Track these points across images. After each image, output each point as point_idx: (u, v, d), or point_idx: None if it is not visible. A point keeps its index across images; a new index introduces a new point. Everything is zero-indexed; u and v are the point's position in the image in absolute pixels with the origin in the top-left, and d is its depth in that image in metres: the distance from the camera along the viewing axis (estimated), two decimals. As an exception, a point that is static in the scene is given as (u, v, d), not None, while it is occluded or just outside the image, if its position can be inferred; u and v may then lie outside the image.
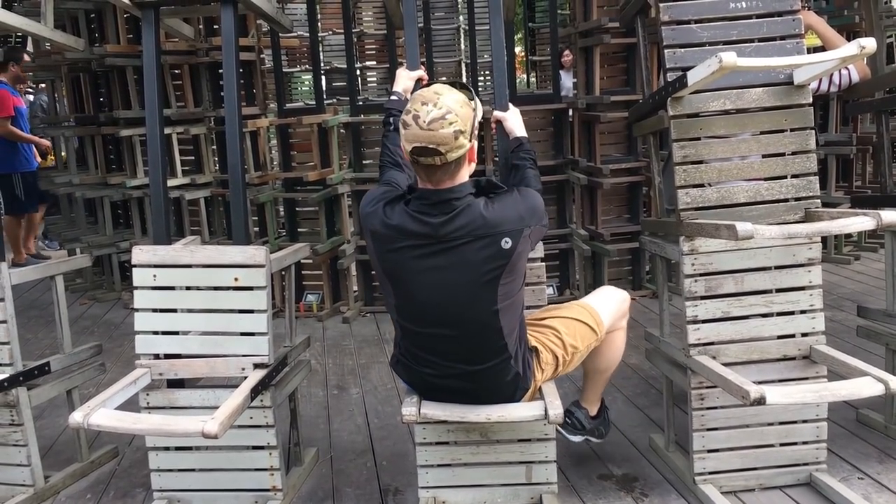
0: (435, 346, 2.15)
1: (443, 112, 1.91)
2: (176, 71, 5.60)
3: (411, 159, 1.99)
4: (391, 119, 2.48)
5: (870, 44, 2.23)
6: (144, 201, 5.73)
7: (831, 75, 3.29)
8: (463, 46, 9.20)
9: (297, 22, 7.71)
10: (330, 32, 8.97)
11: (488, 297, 2.05)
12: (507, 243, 2.01)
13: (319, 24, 7.53)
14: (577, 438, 2.73)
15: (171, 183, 5.19)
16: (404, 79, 2.63)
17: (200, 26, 5.47)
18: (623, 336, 2.60)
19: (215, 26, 5.39)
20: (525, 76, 11.50)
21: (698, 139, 2.59)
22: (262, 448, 2.63)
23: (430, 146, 1.92)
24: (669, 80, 2.57)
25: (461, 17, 9.07)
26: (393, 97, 2.59)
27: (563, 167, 5.29)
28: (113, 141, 6.07)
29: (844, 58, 2.33)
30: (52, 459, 3.11)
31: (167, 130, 5.18)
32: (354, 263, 5.37)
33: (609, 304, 2.51)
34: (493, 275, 2.02)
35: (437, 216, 1.99)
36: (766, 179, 2.59)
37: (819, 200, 2.59)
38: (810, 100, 2.59)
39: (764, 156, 2.60)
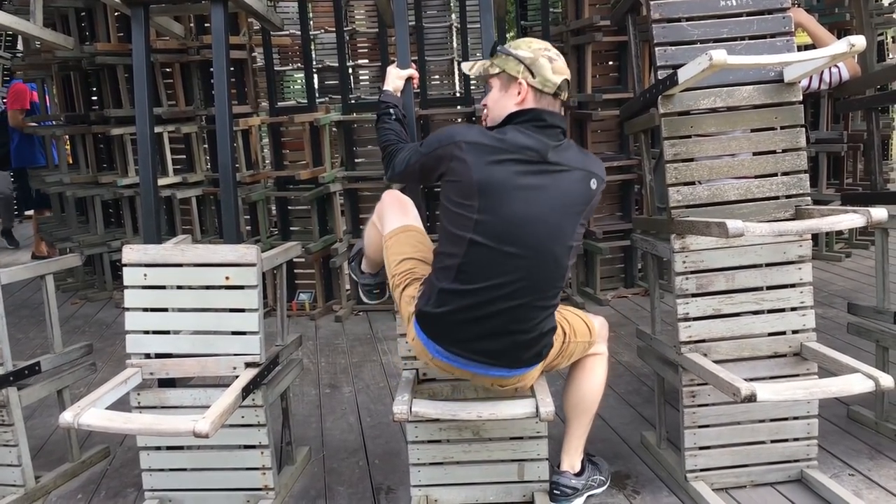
0: (504, 265, 2.10)
1: None
2: (167, 69, 5.58)
3: (545, 95, 2.21)
4: (391, 110, 2.52)
5: (859, 41, 2.24)
6: (136, 200, 5.71)
7: (822, 73, 3.30)
8: (455, 45, 9.19)
9: (288, 20, 7.69)
10: (322, 31, 8.95)
11: (570, 229, 2.15)
12: (594, 184, 2.18)
13: (311, 22, 7.52)
14: (577, 503, 2.58)
15: (162, 182, 5.17)
16: (394, 77, 2.62)
17: (191, 24, 5.45)
18: (604, 366, 2.55)
19: (206, 24, 5.37)
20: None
21: (689, 137, 2.59)
22: (253, 447, 2.62)
23: (568, 79, 2.23)
24: (660, 77, 2.58)
25: (453, 16, 9.06)
26: (385, 93, 2.61)
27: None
28: (104, 140, 6.05)
29: (834, 55, 2.33)
30: (42, 459, 3.09)
31: (158, 129, 5.17)
32: (347, 262, 5.36)
33: (594, 319, 2.51)
34: (578, 210, 2.16)
35: (549, 140, 2.14)
36: (756, 177, 2.60)
37: (809, 198, 2.60)
38: (801, 97, 2.60)
39: (754, 153, 2.60)
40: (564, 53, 5.72)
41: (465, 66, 2.40)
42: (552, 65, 2.21)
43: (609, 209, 5.45)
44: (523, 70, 2.20)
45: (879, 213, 2.18)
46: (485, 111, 2.34)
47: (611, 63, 5.37)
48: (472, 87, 6.22)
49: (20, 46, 7.15)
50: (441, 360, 2.23)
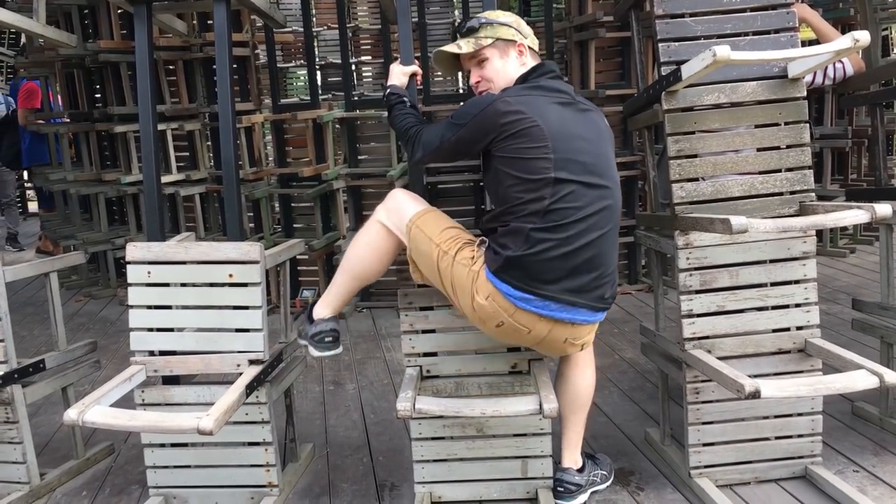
0: (589, 196, 2.14)
1: None
2: (170, 66, 5.58)
3: (535, 52, 2.39)
4: (404, 98, 2.51)
5: (863, 37, 2.23)
6: (139, 198, 5.72)
7: (826, 68, 3.29)
8: (458, 41, 9.18)
9: (291, 17, 7.68)
10: (324, 27, 8.94)
11: (614, 162, 2.29)
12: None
13: (314, 19, 7.52)
14: (581, 499, 2.55)
15: (165, 179, 5.18)
16: (398, 74, 2.61)
17: (194, 22, 5.45)
18: (593, 357, 2.56)
19: (209, 22, 5.37)
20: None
21: (693, 133, 2.58)
22: (257, 444, 2.62)
23: None
24: (664, 73, 2.57)
25: (456, 12, 9.04)
26: (392, 86, 2.58)
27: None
28: (107, 137, 6.06)
29: (838, 51, 2.32)
30: (47, 457, 3.10)
31: (161, 126, 5.16)
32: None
33: None
34: (611, 143, 2.33)
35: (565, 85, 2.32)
36: (760, 173, 2.59)
37: (814, 194, 2.59)
38: (804, 93, 2.59)
39: (758, 149, 2.59)
40: (567, 49, 5.73)
41: (452, 48, 2.37)
42: (528, 27, 2.39)
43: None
44: (514, 32, 2.32)
45: (884, 209, 2.18)
46: (485, 85, 2.37)
47: (614, 59, 5.36)
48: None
49: (23, 43, 7.15)
50: (528, 310, 2.14)
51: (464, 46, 2.35)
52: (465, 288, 2.21)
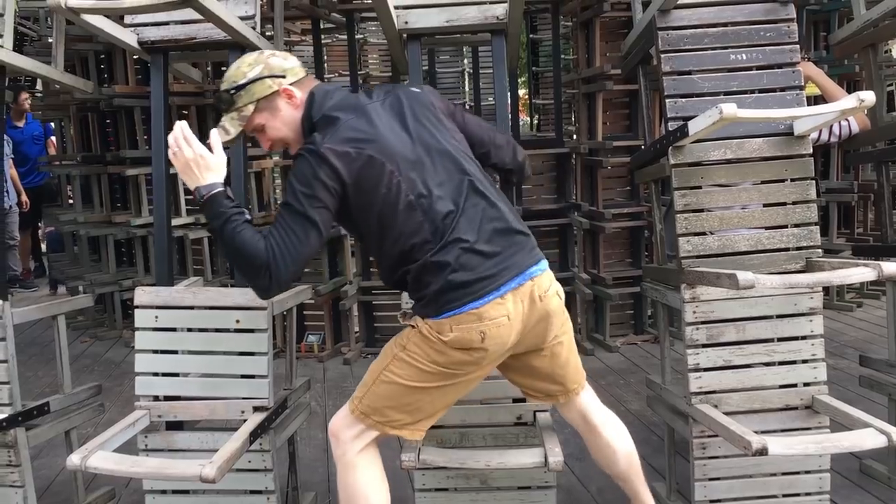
0: (451, 186, 2.04)
1: None
2: (184, 112, 5.66)
3: (303, 80, 2.16)
4: (242, 209, 1.99)
5: (869, 97, 2.26)
6: (148, 240, 5.75)
7: (832, 126, 3.33)
8: (467, 88, 9.30)
9: (304, 63, 7.79)
10: (336, 74, 9.07)
11: (437, 132, 2.15)
12: (417, 89, 2.25)
13: (326, 65, 7.62)
14: None
15: (175, 222, 5.21)
16: (214, 165, 2.01)
17: (208, 68, 5.55)
18: (612, 416, 2.43)
19: (222, 68, 5.45)
20: (528, 118, 11.61)
21: (699, 188, 2.61)
22: (260, 492, 2.61)
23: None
24: (671, 129, 2.60)
25: (465, 61, 9.18)
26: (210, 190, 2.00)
27: (565, 211, 5.31)
28: (119, 180, 6.12)
29: (844, 110, 2.35)
30: (48, 500, 3.08)
31: (173, 170, 5.21)
32: (357, 304, 5.37)
33: None
34: (434, 114, 2.19)
35: (359, 98, 2.16)
36: (767, 228, 2.61)
37: (820, 249, 2.60)
38: (811, 150, 2.62)
39: (765, 205, 2.61)
40: (575, 100, 5.80)
41: (217, 136, 2.02)
42: (278, 57, 2.11)
43: (619, 255, 5.46)
44: (269, 82, 2.05)
45: (891, 267, 2.18)
46: (281, 145, 2.15)
47: (621, 111, 5.42)
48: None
49: (39, 87, 7.29)
50: (488, 301, 1.97)
51: (231, 129, 2.08)
52: (427, 352, 2.04)
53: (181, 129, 1.97)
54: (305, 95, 2.09)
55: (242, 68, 2.07)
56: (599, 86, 5.06)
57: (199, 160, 1.95)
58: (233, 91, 2.06)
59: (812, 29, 5.94)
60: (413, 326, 2.07)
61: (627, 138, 5.19)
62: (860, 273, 2.24)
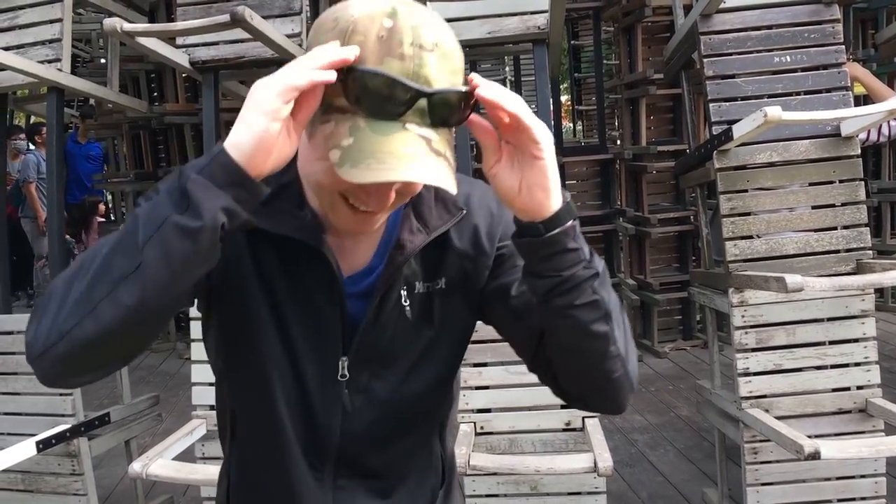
0: None
1: None
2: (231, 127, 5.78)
3: None
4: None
5: (917, 97, 2.24)
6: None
7: (880, 126, 3.28)
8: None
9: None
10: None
11: None
12: None
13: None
14: None
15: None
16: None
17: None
18: None
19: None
20: (571, 125, 11.59)
21: (745, 191, 2.60)
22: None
23: None
24: (715, 133, 2.60)
25: (507, 69, 9.21)
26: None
27: (610, 217, 5.30)
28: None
29: (891, 110, 2.33)
30: (109, 508, 3.18)
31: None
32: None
33: None
34: None
35: None
36: (815, 231, 2.58)
37: (871, 251, 2.57)
38: (859, 151, 2.59)
39: (813, 207, 2.59)
40: (619, 106, 5.79)
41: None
42: None
43: (666, 260, 5.42)
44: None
45: (943, 267, 2.16)
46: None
47: (665, 115, 5.40)
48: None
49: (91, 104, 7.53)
50: None
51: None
52: None
53: None
54: None
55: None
56: (642, 91, 5.05)
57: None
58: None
59: (860, 27, 5.84)
60: None
61: (672, 143, 5.16)
62: (911, 274, 2.21)
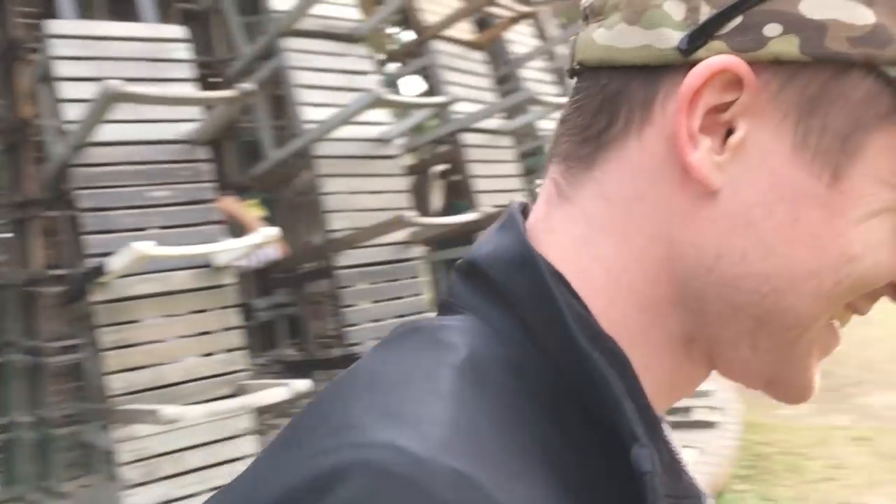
0: None
1: None
2: None
3: None
4: None
5: (270, 231, 2.51)
6: None
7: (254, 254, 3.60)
8: None
9: None
10: None
11: None
12: None
13: None
14: None
15: None
16: None
17: None
18: None
19: None
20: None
21: (131, 322, 2.58)
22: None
23: None
24: (90, 267, 2.54)
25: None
26: None
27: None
28: None
29: (255, 244, 2.58)
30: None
31: None
32: None
33: None
34: None
35: None
36: (199, 356, 2.68)
37: (249, 372, 2.76)
38: (232, 280, 2.79)
39: (193, 335, 2.69)
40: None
41: None
42: None
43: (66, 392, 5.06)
44: None
45: (299, 384, 2.41)
46: None
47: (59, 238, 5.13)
48: None
49: None
50: None
51: None
52: None
53: None
54: None
55: None
56: (33, 212, 4.73)
57: None
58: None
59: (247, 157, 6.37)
60: None
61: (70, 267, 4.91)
62: (277, 393, 2.43)
